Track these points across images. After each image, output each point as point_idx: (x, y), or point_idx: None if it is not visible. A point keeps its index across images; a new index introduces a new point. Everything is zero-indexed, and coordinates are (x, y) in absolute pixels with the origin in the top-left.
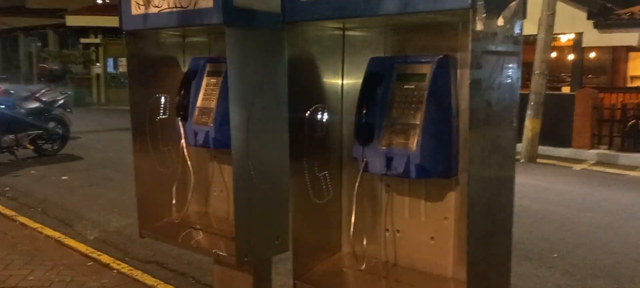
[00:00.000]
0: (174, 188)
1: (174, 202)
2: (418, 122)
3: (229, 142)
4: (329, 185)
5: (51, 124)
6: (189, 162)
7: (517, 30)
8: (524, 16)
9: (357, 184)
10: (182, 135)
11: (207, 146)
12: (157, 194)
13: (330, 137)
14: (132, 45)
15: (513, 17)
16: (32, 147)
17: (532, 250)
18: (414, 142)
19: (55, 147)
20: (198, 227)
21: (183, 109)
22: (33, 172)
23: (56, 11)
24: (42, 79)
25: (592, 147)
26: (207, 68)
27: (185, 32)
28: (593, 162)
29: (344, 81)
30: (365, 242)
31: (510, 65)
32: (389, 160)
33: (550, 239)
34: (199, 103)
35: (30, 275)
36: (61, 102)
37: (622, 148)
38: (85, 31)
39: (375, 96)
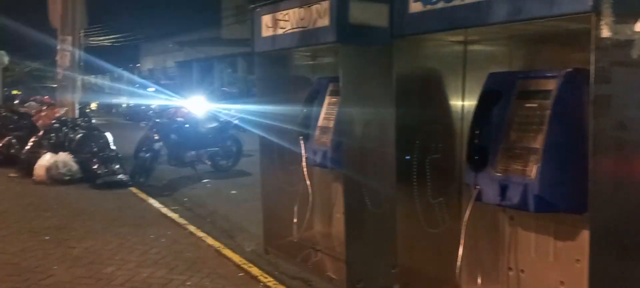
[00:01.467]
0: (295, 208)
1: (295, 220)
2: (539, 147)
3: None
4: (445, 213)
5: (227, 142)
6: (308, 182)
7: None
8: None
9: (467, 213)
10: (304, 155)
11: (324, 166)
12: (282, 212)
13: (447, 160)
14: (263, 66)
15: None
16: (209, 163)
17: None
18: (533, 170)
19: (229, 163)
20: (319, 248)
21: (304, 129)
22: (208, 185)
23: (247, 40)
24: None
25: None
26: (330, 87)
27: (315, 52)
28: None
29: (465, 99)
30: (480, 281)
31: None
32: (503, 189)
33: None
34: (320, 122)
35: (188, 281)
36: (235, 122)
37: None
38: None
39: (492, 116)
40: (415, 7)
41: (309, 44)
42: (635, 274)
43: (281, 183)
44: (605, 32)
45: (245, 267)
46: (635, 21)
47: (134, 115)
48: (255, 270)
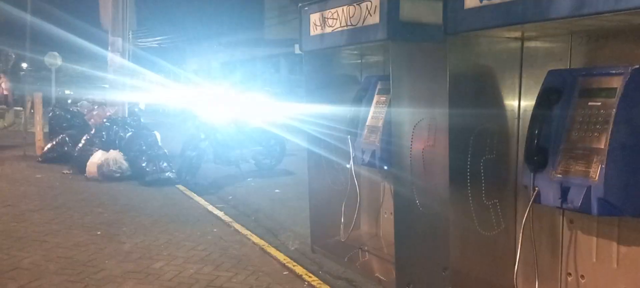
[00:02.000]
0: (343, 207)
1: (342, 220)
2: (603, 147)
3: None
4: (500, 216)
5: (270, 142)
6: (356, 181)
7: None
8: None
9: (525, 216)
10: (351, 154)
11: (373, 166)
12: (329, 211)
13: (503, 161)
14: (311, 65)
15: None
16: (253, 162)
17: None
18: (596, 171)
19: (273, 162)
20: (366, 248)
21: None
22: (252, 184)
23: (289, 40)
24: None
25: None
26: (379, 86)
27: (363, 50)
28: None
29: (521, 98)
30: (537, 285)
31: None
32: (564, 191)
33: None
34: (368, 121)
35: (234, 278)
36: (278, 122)
37: None
38: None
39: (552, 114)
40: (470, 3)
41: (359, 42)
42: None
43: (328, 183)
44: None
45: (289, 265)
46: None
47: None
48: (299, 269)
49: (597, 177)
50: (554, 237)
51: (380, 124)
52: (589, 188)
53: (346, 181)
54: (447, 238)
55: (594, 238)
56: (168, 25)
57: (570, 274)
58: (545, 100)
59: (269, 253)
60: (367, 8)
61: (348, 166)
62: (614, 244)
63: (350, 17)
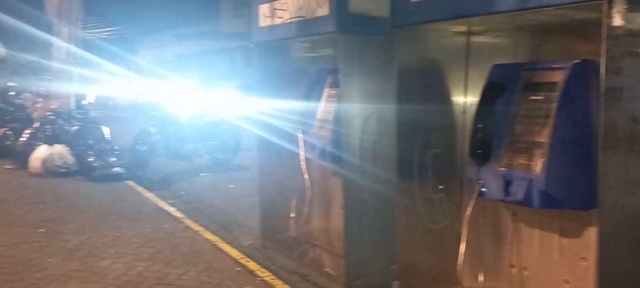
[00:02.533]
0: (293, 202)
1: (293, 215)
2: (545, 141)
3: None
4: (447, 209)
5: (225, 136)
6: (306, 176)
7: None
8: None
9: (470, 209)
10: (301, 149)
11: (324, 160)
12: (280, 207)
13: (450, 154)
14: (262, 57)
15: None
16: (207, 156)
17: None
18: (538, 164)
19: (228, 157)
20: (317, 243)
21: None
22: (206, 179)
23: (245, 34)
24: None
25: None
26: (329, 79)
27: (314, 43)
28: None
29: (467, 92)
30: (481, 278)
31: None
32: (507, 185)
33: None
34: (319, 115)
35: (185, 275)
36: (234, 115)
37: None
38: None
39: (496, 108)
40: None
41: (308, 34)
42: None
43: (279, 177)
44: (617, 21)
45: (242, 261)
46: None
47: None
48: (252, 265)
49: (539, 171)
50: (498, 230)
51: (330, 117)
52: (531, 182)
53: (297, 175)
54: (396, 232)
55: (537, 231)
56: (119, 16)
57: (513, 266)
58: (489, 94)
59: (221, 249)
60: (316, 0)
61: (299, 160)
62: (556, 236)
63: (299, 9)
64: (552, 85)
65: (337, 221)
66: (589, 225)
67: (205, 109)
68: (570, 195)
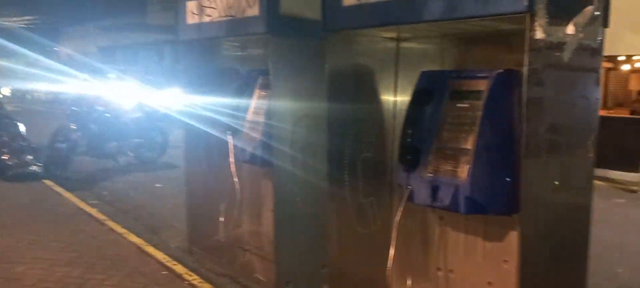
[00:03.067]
0: (222, 206)
1: (222, 219)
2: (470, 148)
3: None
4: (377, 213)
5: (152, 133)
6: (236, 179)
7: (596, 41)
8: (604, 24)
9: (399, 215)
10: (231, 151)
11: (254, 163)
12: (209, 210)
13: (380, 159)
14: (189, 56)
15: (588, 25)
16: (132, 154)
17: None
18: (464, 171)
19: (155, 155)
20: (247, 247)
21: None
22: (131, 178)
23: (173, 28)
24: None
25: None
26: (260, 80)
27: (245, 43)
28: None
29: (397, 97)
30: (410, 282)
31: (586, 82)
32: (435, 190)
33: None
34: (250, 117)
35: (107, 280)
36: (162, 112)
37: None
38: None
39: (424, 115)
40: (349, 1)
41: (238, 35)
42: (565, 276)
43: (208, 180)
44: (539, 34)
45: (169, 264)
46: (568, 23)
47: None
48: (179, 268)
49: (464, 177)
50: (426, 234)
51: (261, 119)
52: (457, 188)
53: (227, 178)
54: (326, 236)
55: (462, 235)
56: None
57: (440, 269)
58: (417, 100)
59: (147, 253)
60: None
61: (228, 162)
62: (480, 240)
63: (229, 8)
64: (477, 94)
65: (269, 224)
66: (511, 229)
67: (131, 104)
68: (494, 201)
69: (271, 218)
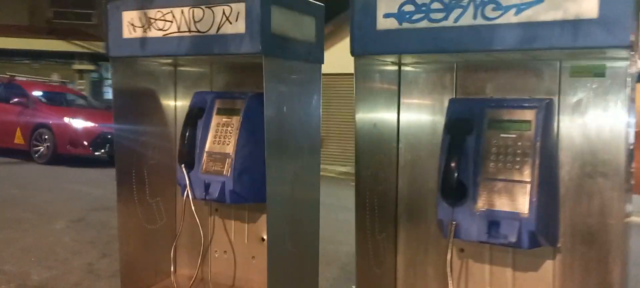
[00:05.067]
0: (172, 251)
1: (173, 268)
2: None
3: (249, 195)
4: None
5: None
6: (197, 219)
7: None
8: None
9: (450, 252)
10: (188, 186)
11: (222, 200)
12: (144, 256)
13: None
14: (120, 75)
15: None
16: None
17: None
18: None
19: None
20: None
21: (188, 155)
22: None
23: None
24: None
25: None
26: (217, 104)
27: (177, 61)
28: None
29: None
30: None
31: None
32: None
33: None
34: (207, 147)
35: None
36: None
37: None
38: None
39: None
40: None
41: (210, 53)
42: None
43: (141, 222)
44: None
45: None
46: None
47: None
48: None
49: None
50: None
51: (229, 149)
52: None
53: (165, 218)
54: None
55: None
56: None
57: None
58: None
59: None
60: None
61: (183, 198)
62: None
63: (196, 22)
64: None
65: (218, 268)
66: (549, 259)
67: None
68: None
69: (221, 262)
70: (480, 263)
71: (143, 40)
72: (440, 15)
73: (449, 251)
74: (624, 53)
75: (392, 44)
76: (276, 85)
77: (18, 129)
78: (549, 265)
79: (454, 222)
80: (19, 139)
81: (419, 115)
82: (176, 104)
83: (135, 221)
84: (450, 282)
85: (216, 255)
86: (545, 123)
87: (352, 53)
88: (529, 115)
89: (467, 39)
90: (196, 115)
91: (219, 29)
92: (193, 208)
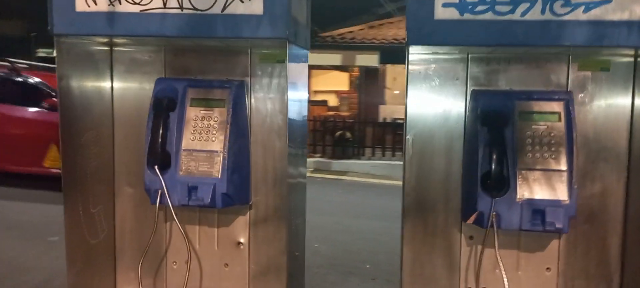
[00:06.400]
0: (139, 266)
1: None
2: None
3: (236, 197)
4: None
5: None
6: (181, 229)
7: None
8: None
9: (497, 242)
10: (166, 191)
11: (213, 206)
12: (91, 275)
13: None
14: (69, 62)
15: None
16: None
17: (349, 265)
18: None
19: None
20: None
21: (163, 154)
22: None
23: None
24: None
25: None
26: (190, 94)
27: (114, 41)
28: (311, 169)
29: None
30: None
31: None
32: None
33: (351, 250)
34: (185, 144)
35: None
36: None
37: (333, 156)
38: None
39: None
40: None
41: (214, 36)
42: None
43: (85, 236)
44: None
45: None
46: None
47: None
48: None
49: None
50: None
51: (216, 146)
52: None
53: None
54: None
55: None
56: None
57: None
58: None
59: None
60: None
61: (159, 204)
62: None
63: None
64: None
65: (174, 279)
66: (553, 239)
67: None
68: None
69: (177, 273)
70: (490, 248)
71: (110, 16)
72: (506, 8)
73: (496, 242)
74: None
75: (453, 35)
76: (285, 74)
77: (53, 147)
78: (554, 245)
79: (494, 213)
80: (53, 161)
81: (435, 108)
82: (113, 95)
83: (79, 235)
84: (504, 274)
85: (174, 267)
86: (571, 115)
87: (408, 43)
88: (557, 107)
89: (535, 33)
90: (167, 107)
91: (224, 7)
92: (175, 217)
